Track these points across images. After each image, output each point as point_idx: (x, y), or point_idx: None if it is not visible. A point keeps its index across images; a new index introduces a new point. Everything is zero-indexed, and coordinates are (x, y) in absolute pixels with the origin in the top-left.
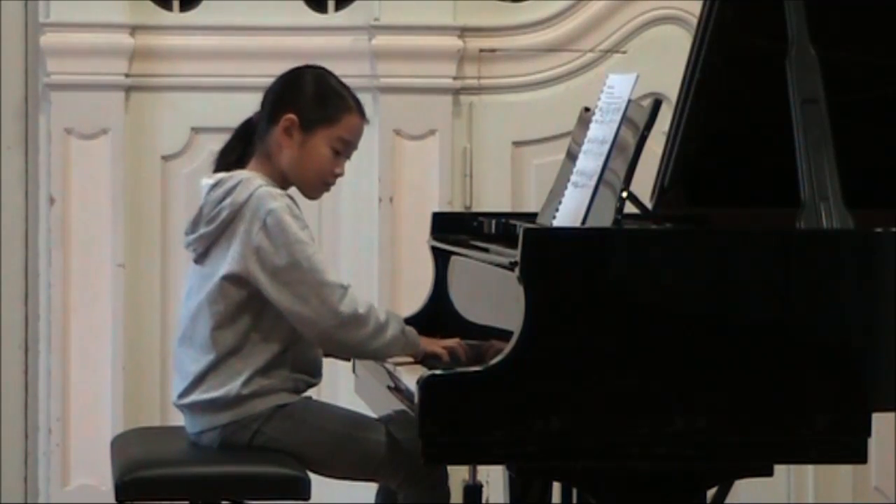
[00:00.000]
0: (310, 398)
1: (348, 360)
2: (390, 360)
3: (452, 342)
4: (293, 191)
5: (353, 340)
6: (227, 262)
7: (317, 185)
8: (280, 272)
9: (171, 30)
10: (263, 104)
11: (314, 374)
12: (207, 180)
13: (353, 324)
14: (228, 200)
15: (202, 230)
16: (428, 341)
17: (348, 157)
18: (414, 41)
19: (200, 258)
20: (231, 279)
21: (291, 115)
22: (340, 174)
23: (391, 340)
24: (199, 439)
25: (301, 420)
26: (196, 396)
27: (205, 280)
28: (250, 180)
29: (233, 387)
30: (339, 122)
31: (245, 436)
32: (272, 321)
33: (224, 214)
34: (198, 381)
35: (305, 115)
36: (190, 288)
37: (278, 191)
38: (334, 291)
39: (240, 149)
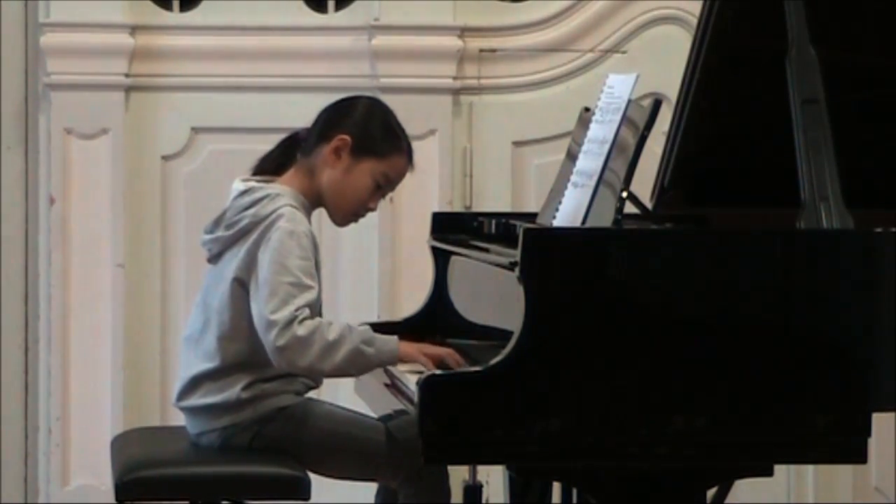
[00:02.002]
0: (310, 399)
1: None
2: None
3: (442, 351)
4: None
5: (300, 365)
6: (235, 265)
7: (348, 213)
8: (258, 285)
9: (171, 30)
10: (317, 121)
11: (315, 379)
12: (239, 185)
13: (293, 349)
14: (252, 211)
15: (220, 233)
16: (411, 351)
17: (384, 195)
18: (414, 41)
19: (214, 258)
20: (239, 283)
21: (346, 137)
22: (373, 209)
23: (346, 358)
24: (199, 440)
25: (301, 421)
26: (195, 401)
27: (218, 281)
28: (279, 197)
29: (233, 392)
30: (388, 158)
31: (245, 437)
32: None
33: (243, 223)
34: (198, 385)
35: (359, 141)
36: (206, 286)
37: (301, 216)
38: (273, 326)
39: (280, 160)
